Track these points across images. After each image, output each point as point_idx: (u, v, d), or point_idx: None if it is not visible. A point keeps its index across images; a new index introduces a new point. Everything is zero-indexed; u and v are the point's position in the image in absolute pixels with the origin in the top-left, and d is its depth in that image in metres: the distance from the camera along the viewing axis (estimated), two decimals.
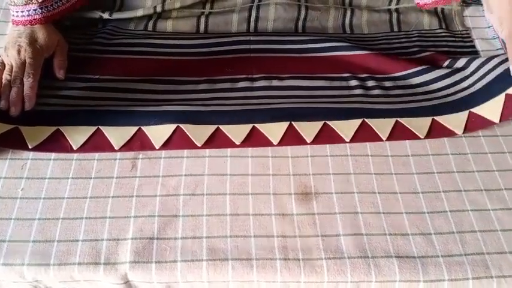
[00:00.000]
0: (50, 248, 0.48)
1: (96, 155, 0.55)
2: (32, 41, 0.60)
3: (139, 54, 0.65)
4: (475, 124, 0.58)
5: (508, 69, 0.59)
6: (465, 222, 0.51)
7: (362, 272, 0.47)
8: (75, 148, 0.55)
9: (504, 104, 0.58)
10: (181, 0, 0.69)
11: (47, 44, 0.61)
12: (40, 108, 0.57)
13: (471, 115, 0.59)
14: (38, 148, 0.54)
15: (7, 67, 0.58)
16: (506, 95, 0.59)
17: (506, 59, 0.60)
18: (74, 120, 0.57)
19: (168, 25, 0.69)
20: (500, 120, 0.58)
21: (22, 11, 0.59)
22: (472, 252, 0.49)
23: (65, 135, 0.55)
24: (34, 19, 0.60)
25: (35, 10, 0.60)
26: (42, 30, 0.61)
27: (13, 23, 0.61)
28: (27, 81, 0.57)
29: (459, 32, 0.72)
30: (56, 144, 0.55)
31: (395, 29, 0.73)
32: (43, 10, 0.60)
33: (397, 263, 0.48)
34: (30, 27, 0.60)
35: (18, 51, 0.58)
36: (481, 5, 0.76)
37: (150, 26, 0.69)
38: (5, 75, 0.58)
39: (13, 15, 0.61)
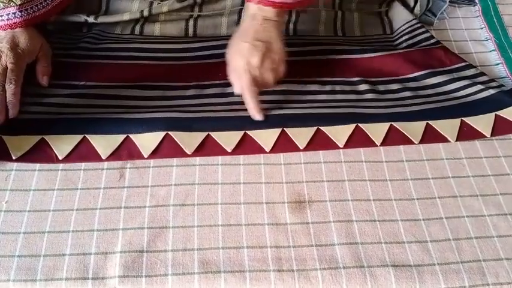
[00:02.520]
0: (36, 263, 0.46)
1: (83, 165, 0.53)
2: (13, 45, 0.57)
3: (126, 59, 0.63)
4: (467, 133, 0.58)
5: (505, 92, 0.61)
6: (461, 228, 0.51)
7: (358, 282, 0.46)
8: (60, 158, 0.53)
9: (494, 123, 0.59)
10: (168, 4, 0.67)
11: (29, 48, 0.59)
12: (23, 117, 0.55)
13: (463, 124, 0.58)
14: (23, 159, 0.52)
15: None
16: (496, 115, 0.59)
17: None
18: (59, 128, 0.55)
19: (155, 29, 0.68)
20: (491, 135, 0.58)
21: (1, 15, 0.57)
22: (469, 259, 0.49)
23: (50, 144, 0.53)
24: (14, 23, 0.58)
25: (14, 13, 0.57)
26: (23, 35, 0.59)
27: None
28: (10, 88, 0.55)
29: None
30: (40, 154, 0.53)
31: (388, 31, 0.72)
32: (23, 13, 0.58)
33: (393, 272, 0.47)
34: (12, 32, 0.58)
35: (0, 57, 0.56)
36: (473, 5, 0.75)
37: (137, 30, 0.68)
38: None
39: None
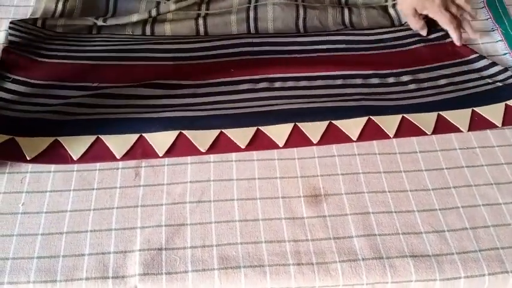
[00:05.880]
0: (56, 264, 0.46)
1: (98, 165, 0.53)
2: None
3: (139, 60, 0.63)
4: (478, 123, 0.58)
5: None
6: (477, 217, 0.51)
7: (377, 274, 0.46)
8: (75, 159, 0.53)
9: (505, 112, 0.59)
10: (176, 2, 0.67)
11: None
12: (36, 117, 0.55)
13: (474, 114, 0.59)
14: (37, 160, 0.52)
15: None
16: (506, 104, 0.60)
17: None
18: (73, 129, 0.55)
19: (166, 29, 0.68)
20: (502, 125, 0.58)
21: None
22: (487, 247, 0.49)
23: (64, 145, 0.53)
24: None
25: None
26: None
27: None
28: None
29: None
30: (55, 155, 0.53)
31: (396, 23, 0.72)
32: None
33: (412, 263, 0.47)
34: None
35: None
36: None
37: (147, 31, 0.68)
38: None
39: None
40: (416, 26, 0.69)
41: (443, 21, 0.67)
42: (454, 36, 0.68)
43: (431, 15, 0.68)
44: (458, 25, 0.68)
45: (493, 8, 0.74)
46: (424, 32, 0.69)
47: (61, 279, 0.45)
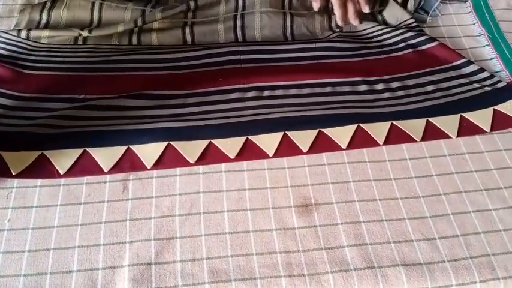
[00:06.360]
0: (43, 282, 0.45)
1: (85, 178, 0.52)
2: None
3: (126, 71, 0.63)
4: (467, 129, 0.58)
5: (502, 86, 0.62)
6: (468, 224, 0.51)
7: (369, 284, 0.46)
8: (61, 173, 0.52)
9: (493, 118, 0.59)
10: (162, 11, 0.66)
11: None
12: (22, 130, 0.54)
13: (463, 119, 0.59)
14: (22, 175, 0.52)
15: None
16: (494, 109, 0.60)
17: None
18: (59, 143, 0.54)
19: (153, 38, 0.67)
20: (491, 130, 0.58)
21: None
22: (478, 254, 0.49)
23: (50, 159, 0.53)
24: None
25: None
26: None
27: None
28: None
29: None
30: (41, 170, 0.52)
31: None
32: None
33: (404, 272, 0.47)
34: None
35: None
36: (465, 1, 0.76)
37: (134, 40, 0.67)
38: None
39: None
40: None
41: None
42: (337, 13, 0.68)
43: None
44: (344, 3, 0.68)
45: (480, 12, 0.74)
46: (314, 4, 0.69)
47: None
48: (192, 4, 0.67)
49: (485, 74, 0.64)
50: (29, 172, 0.52)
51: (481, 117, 0.59)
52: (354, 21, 0.69)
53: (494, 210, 0.52)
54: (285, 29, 0.69)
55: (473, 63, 0.65)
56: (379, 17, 0.74)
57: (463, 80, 0.63)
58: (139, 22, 0.66)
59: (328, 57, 0.66)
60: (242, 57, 0.65)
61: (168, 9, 0.67)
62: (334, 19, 0.71)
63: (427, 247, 0.49)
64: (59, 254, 0.47)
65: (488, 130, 0.58)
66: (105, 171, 0.52)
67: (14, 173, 0.51)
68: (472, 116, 0.59)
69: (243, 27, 0.69)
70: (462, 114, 0.59)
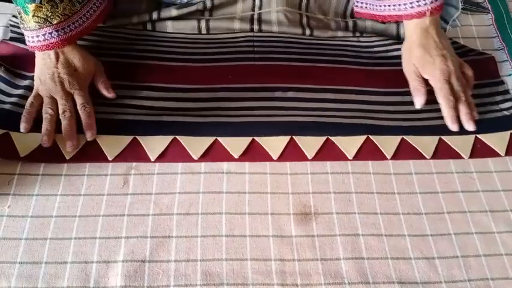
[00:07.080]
0: (38, 270, 0.45)
1: (86, 170, 0.53)
2: (71, 70, 0.56)
3: (137, 59, 0.63)
4: (481, 151, 0.57)
5: None
6: (469, 245, 0.50)
7: None
8: (67, 158, 0.52)
9: (510, 141, 0.57)
10: (177, 8, 0.66)
11: (87, 70, 0.57)
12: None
13: (477, 141, 0.57)
14: (29, 158, 0.52)
15: (46, 100, 0.55)
16: (511, 134, 0.58)
17: None
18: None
19: (168, 25, 0.67)
20: (506, 155, 0.57)
21: (37, 36, 0.55)
22: (476, 277, 0.48)
23: (58, 143, 0.53)
24: (51, 43, 0.55)
25: (50, 33, 0.55)
26: (76, 57, 0.57)
27: (30, 49, 0.56)
28: (85, 112, 0.54)
29: None
30: (47, 153, 0.53)
31: (402, 38, 0.70)
32: (59, 33, 0.55)
33: None
34: (63, 55, 0.56)
35: (62, 84, 0.55)
36: (487, 13, 0.74)
37: (149, 26, 0.67)
38: (47, 109, 0.54)
39: (28, 41, 0.56)
40: (414, 89, 0.60)
41: (440, 94, 0.58)
42: (446, 114, 0.58)
43: (430, 81, 0.59)
44: (455, 104, 0.58)
45: (502, 26, 0.72)
46: (417, 101, 0.59)
47: (42, 287, 0.45)
48: (208, 3, 0.66)
49: (507, 96, 0.62)
50: (36, 155, 0.52)
51: (497, 141, 0.57)
52: (468, 125, 0.58)
53: (498, 233, 0.51)
54: (302, 23, 0.68)
55: (496, 84, 0.64)
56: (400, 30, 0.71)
57: (482, 100, 0.61)
58: (154, 16, 0.66)
59: (345, 63, 0.64)
60: (256, 55, 0.64)
61: (184, 7, 0.66)
62: (352, 26, 0.69)
63: (425, 266, 0.48)
64: (55, 244, 0.47)
65: (503, 154, 0.56)
66: (110, 159, 0.53)
67: (21, 155, 0.52)
68: (488, 138, 0.57)
69: (259, 22, 0.67)
70: (477, 135, 0.57)
